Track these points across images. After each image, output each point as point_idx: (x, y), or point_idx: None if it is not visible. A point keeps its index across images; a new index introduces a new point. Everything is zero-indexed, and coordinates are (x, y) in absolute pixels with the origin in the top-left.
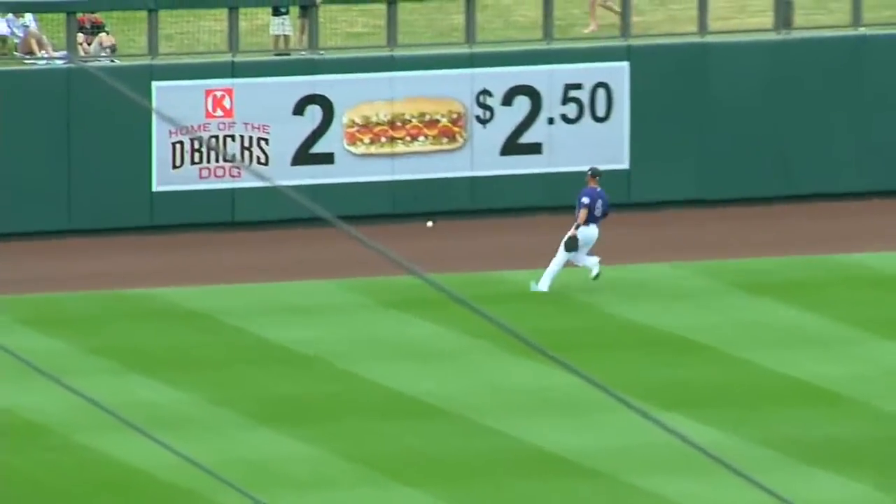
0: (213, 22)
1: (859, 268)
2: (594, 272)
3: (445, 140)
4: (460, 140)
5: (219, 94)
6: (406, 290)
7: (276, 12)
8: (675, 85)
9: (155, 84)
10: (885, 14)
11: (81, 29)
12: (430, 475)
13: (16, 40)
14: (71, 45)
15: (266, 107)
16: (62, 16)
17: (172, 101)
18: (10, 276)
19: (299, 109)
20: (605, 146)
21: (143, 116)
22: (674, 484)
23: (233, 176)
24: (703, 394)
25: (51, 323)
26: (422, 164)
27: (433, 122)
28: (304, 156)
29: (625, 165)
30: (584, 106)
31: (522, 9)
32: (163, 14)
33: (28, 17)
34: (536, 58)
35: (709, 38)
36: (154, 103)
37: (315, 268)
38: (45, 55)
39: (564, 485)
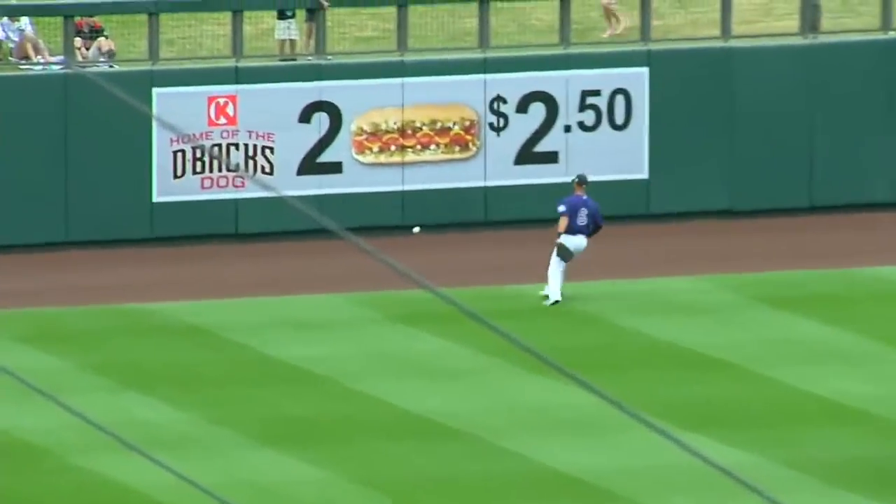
0: (216, 26)
1: (888, 282)
2: (551, 300)
3: (458, 149)
4: (473, 149)
5: (222, 100)
6: (416, 304)
7: (282, 16)
8: (697, 91)
9: (156, 90)
10: None
11: (79, 33)
12: (443, 499)
13: (11, 45)
14: (68, 50)
15: (271, 114)
16: (59, 19)
17: (174, 108)
18: (5, 290)
19: (306, 117)
20: (624, 155)
21: (143, 124)
22: None
23: (236, 186)
24: (725, 413)
25: (47, 339)
26: (433, 173)
27: (445, 130)
28: (310, 165)
29: (644, 175)
30: (603, 113)
31: (538, 12)
32: (164, 17)
33: (24, 21)
34: (553, 63)
35: (732, 43)
36: (155, 110)
37: (322, 281)
38: (42, 60)
39: None
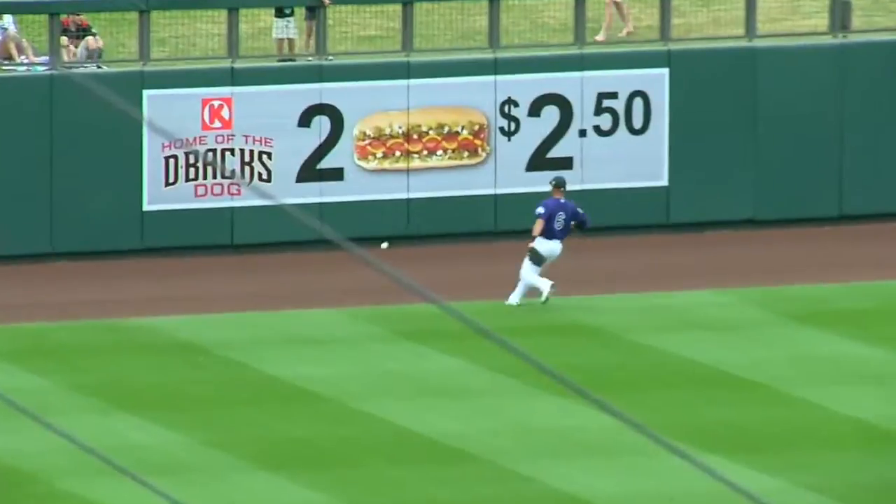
0: (211, 24)
1: None
2: (544, 296)
3: (466, 154)
4: (482, 154)
5: (217, 103)
6: (423, 319)
7: (280, 14)
8: (720, 94)
9: (147, 92)
10: None
11: (65, 32)
12: None
13: None
14: (54, 50)
15: (269, 118)
16: (44, 17)
17: (166, 111)
18: None
19: (305, 121)
20: (642, 161)
21: (133, 128)
22: None
23: (232, 194)
24: (750, 435)
25: (31, 356)
26: (440, 180)
27: (453, 135)
28: (310, 172)
29: (663, 182)
30: (620, 117)
31: (551, 9)
32: (155, 15)
33: (7, 19)
34: (567, 64)
35: (757, 42)
36: (145, 114)
37: (322, 295)
38: (26, 60)
39: None
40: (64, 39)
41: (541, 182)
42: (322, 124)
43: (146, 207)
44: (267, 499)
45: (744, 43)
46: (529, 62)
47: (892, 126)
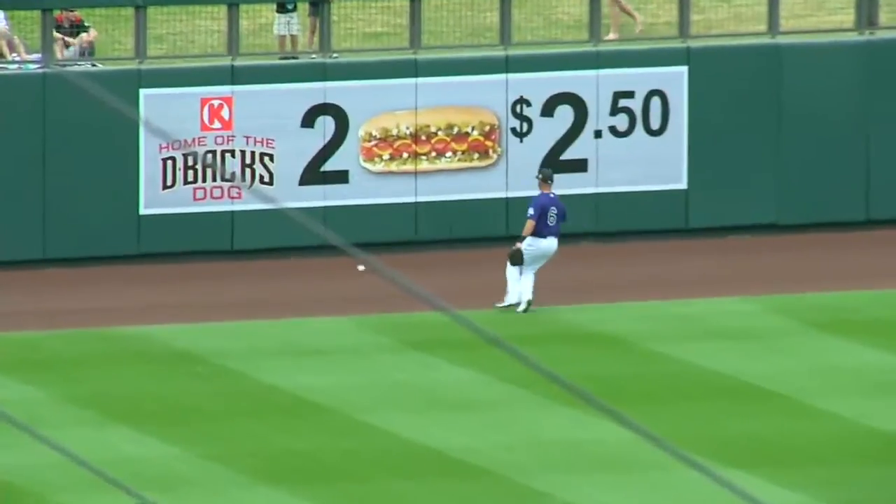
0: (210, 21)
1: None
2: (522, 306)
3: (476, 156)
4: (493, 156)
5: (216, 103)
6: (432, 328)
7: (282, 9)
8: (742, 93)
9: (143, 91)
10: None
11: (59, 28)
12: None
13: None
14: (47, 47)
15: (270, 118)
16: (37, 13)
17: (163, 111)
18: None
19: (309, 121)
20: (661, 163)
21: (129, 129)
22: None
23: (232, 197)
24: (774, 449)
25: (23, 367)
26: (449, 183)
27: (462, 136)
28: (314, 174)
29: (682, 185)
30: (637, 117)
31: (565, 5)
32: (152, 11)
33: None
34: (581, 61)
35: (780, 39)
36: (142, 114)
37: (326, 303)
38: (17, 58)
39: None
40: (57, 36)
41: (555, 185)
42: (326, 125)
43: (143, 211)
44: None
45: (766, 40)
46: (542, 60)
47: None
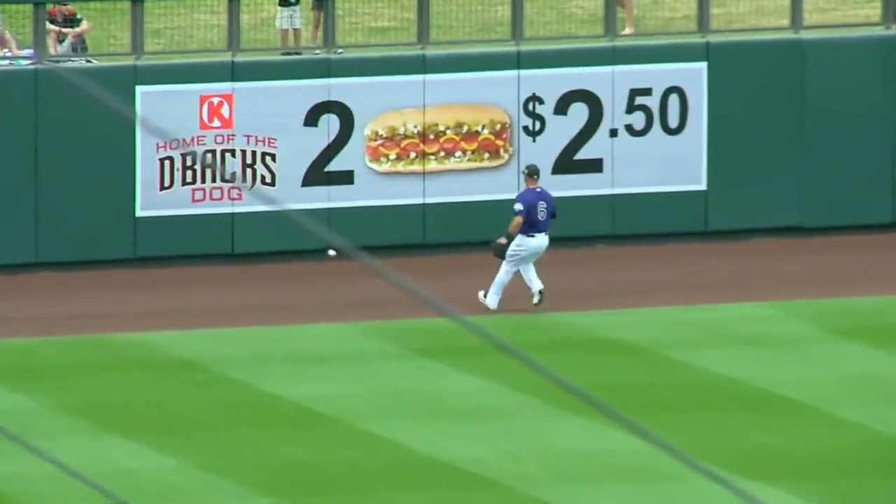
0: (210, 15)
1: None
2: (536, 297)
3: (487, 156)
4: (505, 156)
5: (216, 100)
6: (439, 335)
7: (285, 2)
8: (763, 90)
9: (140, 88)
10: None
11: (52, 22)
12: None
13: None
14: (39, 42)
15: (272, 116)
16: (29, 7)
17: (161, 108)
18: None
19: (312, 119)
20: (679, 163)
21: (125, 127)
22: None
23: (232, 199)
24: (798, 461)
25: (14, 375)
26: (458, 184)
27: (472, 135)
28: (317, 175)
29: (702, 186)
30: (654, 115)
31: None
32: (149, 5)
33: None
34: (596, 57)
35: (804, 34)
36: (139, 112)
37: (330, 308)
38: (9, 54)
39: None
40: (50, 31)
41: (568, 186)
42: (330, 123)
43: (139, 213)
44: None
45: (789, 34)
46: (556, 56)
47: None
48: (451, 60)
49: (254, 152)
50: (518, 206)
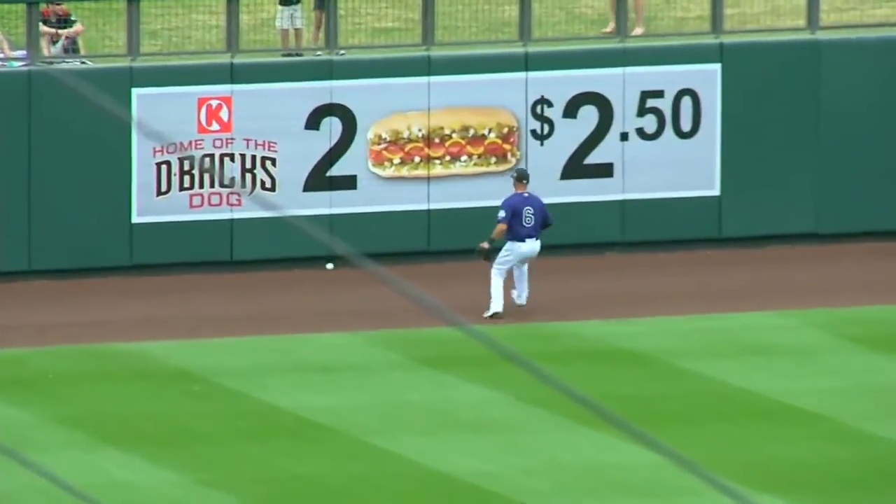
0: (208, 15)
1: None
2: (521, 300)
3: (494, 160)
4: (512, 160)
5: (214, 103)
6: (445, 344)
7: (285, 2)
8: (779, 92)
9: (136, 91)
10: None
11: (45, 23)
12: None
13: None
14: (32, 43)
15: (273, 119)
16: (22, 7)
17: (157, 111)
18: None
19: (314, 122)
20: (691, 168)
21: (121, 131)
22: None
23: (231, 205)
24: (815, 474)
25: (7, 386)
26: (464, 189)
27: (479, 139)
28: (319, 180)
29: (715, 192)
30: (666, 118)
31: None
32: (145, 5)
33: None
34: (606, 58)
35: (821, 35)
36: (135, 114)
37: (333, 318)
38: (1, 55)
39: None
40: (43, 31)
41: (577, 192)
42: (332, 126)
43: (135, 219)
44: None
45: (805, 35)
46: (564, 57)
47: None
48: (457, 62)
49: (253, 156)
50: (500, 214)
